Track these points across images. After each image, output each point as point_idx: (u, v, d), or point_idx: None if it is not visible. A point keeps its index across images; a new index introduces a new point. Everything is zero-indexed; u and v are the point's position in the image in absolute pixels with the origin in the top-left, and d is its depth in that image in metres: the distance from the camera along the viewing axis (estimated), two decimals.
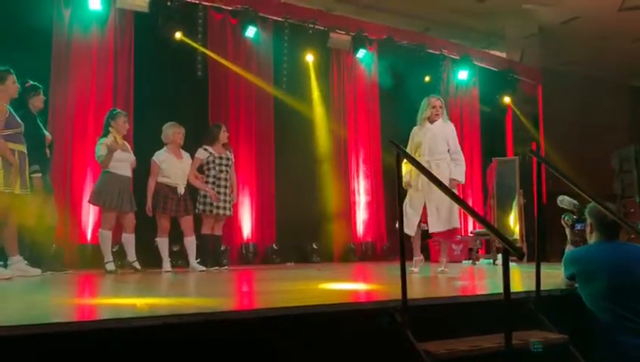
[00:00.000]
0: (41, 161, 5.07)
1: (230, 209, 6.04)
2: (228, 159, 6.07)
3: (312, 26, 7.98)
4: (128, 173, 5.55)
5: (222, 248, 6.41)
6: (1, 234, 4.64)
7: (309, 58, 8.07)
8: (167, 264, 5.66)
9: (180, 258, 6.21)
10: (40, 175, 5.04)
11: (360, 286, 4.17)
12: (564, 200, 3.83)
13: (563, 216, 3.72)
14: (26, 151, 4.69)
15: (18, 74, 4.80)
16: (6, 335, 1.91)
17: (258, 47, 7.70)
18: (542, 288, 3.16)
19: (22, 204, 4.67)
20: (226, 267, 6.04)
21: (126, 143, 5.71)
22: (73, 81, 6.39)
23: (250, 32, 7.52)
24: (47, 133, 5.36)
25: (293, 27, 7.88)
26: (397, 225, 5.00)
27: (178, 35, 6.98)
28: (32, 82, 5.26)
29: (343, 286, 4.12)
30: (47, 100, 5.74)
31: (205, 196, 5.89)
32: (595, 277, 3.07)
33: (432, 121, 5.22)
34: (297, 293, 3.49)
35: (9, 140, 4.52)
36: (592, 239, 3.27)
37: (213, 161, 5.97)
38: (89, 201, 5.66)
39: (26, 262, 4.77)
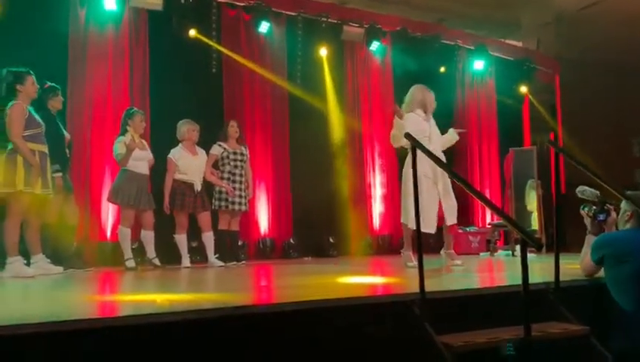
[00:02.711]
0: (61, 160, 5.15)
1: (246, 204, 6.07)
2: (242, 154, 6.09)
3: (325, 19, 7.96)
4: (146, 171, 5.59)
5: (239, 243, 6.46)
6: (24, 233, 4.72)
7: (323, 52, 8.05)
8: (186, 260, 5.72)
9: (198, 254, 6.27)
10: (60, 174, 5.13)
11: (378, 280, 4.18)
12: (585, 191, 3.78)
13: (582, 207, 3.67)
14: (47, 152, 4.76)
15: (36, 75, 4.87)
16: (30, 332, 1.95)
17: (271, 43, 7.70)
18: (561, 279, 3.14)
19: (43, 204, 4.75)
20: (243, 262, 6.08)
21: (144, 141, 5.76)
22: (90, 80, 6.46)
23: (264, 27, 7.53)
24: (66, 133, 5.44)
25: (306, 21, 7.87)
26: (402, 219, 5.04)
27: (192, 32, 7.02)
28: (50, 83, 5.33)
29: (361, 279, 4.13)
30: (65, 100, 5.82)
31: (221, 192, 5.92)
32: (625, 260, 3.02)
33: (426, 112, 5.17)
34: (315, 288, 3.51)
35: (30, 141, 4.59)
36: (626, 226, 3.23)
37: (228, 157, 6.00)
38: (108, 199, 5.73)
39: (48, 260, 4.85)
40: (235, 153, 6.03)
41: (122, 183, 5.46)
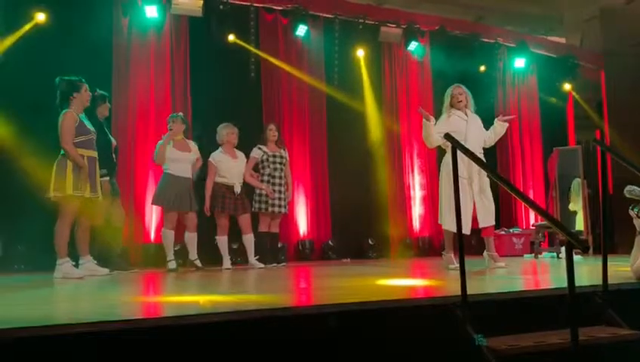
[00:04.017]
0: (107, 165, 5.31)
1: (285, 206, 6.12)
2: (282, 157, 6.14)
3: (362, 20, 7.95)
4: (187, 173, 5.64)
5: (279, 245, 6.51)
6: (74, 235, 4.89)
7: (360, 53, 8.04)
8: (227, 261, 5.80)
9: (239, 255, 6.35)
10: (107, 179, 5.30)
11: (418, 282, 4.14)
12: (633, 191, 3.65)
13: (632, 207, 3.54)
14: (96, 157, 4.92)
15: None
16: (81, 332, 2.02)
17: (309, 46, 7.74)
18: (610, 282, 3.04)
19: (92, 207, 4.90)
20: (283, 264, 6.13)
21: (188, 143, 5.78)
22: (133, 87, 6.64)
23: (301, 30, 7.57)
24: (112, 139, 5.60)
25: (344, 23, 7.88)
26: (439, 220, 4.98)
27: (231, 37, 7.13)
28: (100, 91, 5.51)
29: (402, 282, 4.09)
30: (111, 107, 6.00)
31: (261, 195, 5.99)
32: None
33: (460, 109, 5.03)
34: (355, 289, 3.50)
35: (80, 147, 4.76)
36: None
37: (267, 160, 6.06)
38: (152, 203, 5.87)
39: (95, 262, 5.00)
40: (274, 156, 6.08)
41: (163, 186, 5.58)
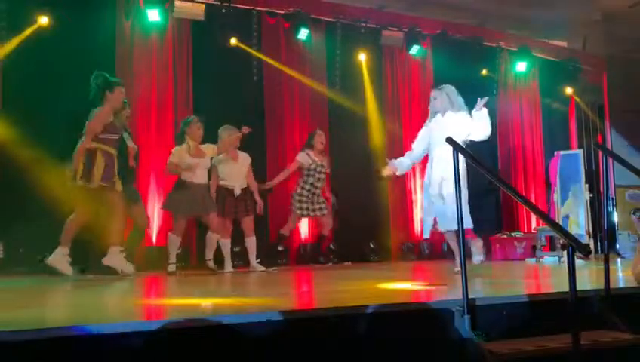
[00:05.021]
0: (124, 170, 5.25)
1: (326, 208, 6.39)
2: (322, 166, 6.35)
3: (363, 24, 7.96)
4: (202, 179, 5.52)
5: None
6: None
7: (362, 57, 8.05)
8: (228, 265, 5.79)
9: (240, 258, 6.33)
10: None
11: (420, 286, 4.13)
12: (634, 195, 3.65)
13: (633, 212, 3.54)
14: (116, 155, 4.93)
15: (84, 86, 5.03)
16: (75, 336, 2.02)
17: (311, 49, 7.75)
18: (612, 286, 3.03)
19: (97, 200, 4.89)
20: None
21: (202, 148, 5.64)
22: (136, 90, 6.63)
23: (303, 34, 7.58)
24: (132, 145, 5.52)
25: (345, 27, 7.89)
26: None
27: (233, 40, 7.15)
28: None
29: (403, 285, 4.09)
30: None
31: (301, 195, 6.18)
32: None
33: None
34: (356, 293, 3.50)
35: (102, 143, 4.79)
36: None
37: (315, 169, 6.17)
38: (162, 206, 5.83)
39: (124, 254, 4.96)
40: (322, 166, 6.28)
41: (174, 192, 5.52)
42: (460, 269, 4.64)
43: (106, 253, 4.92)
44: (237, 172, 5.88)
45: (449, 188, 4.47)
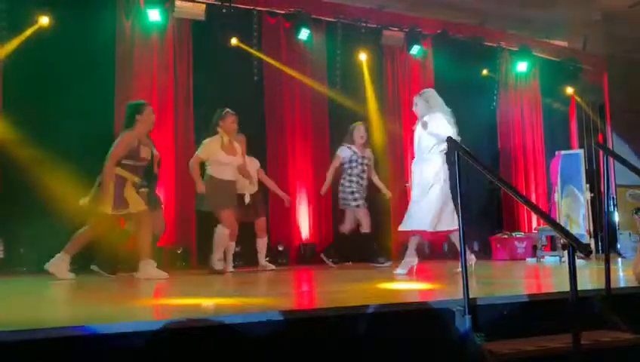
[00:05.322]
0: (148, 177, 5.26)
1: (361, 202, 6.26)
2: (364, 158, 6.31)
3: (364, 24, 7.96)
4: (232, 176, 5.40)
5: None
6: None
7: (363, 57, 8.05)
8: (229, 265, 5.77)
9: (240, 258, 6.32)
10: (146, 190, 5.22)
11: (421, 286, 4.13)
12: (635, 194, 3.65)
13: (636, 211, 3.54)
14: (138, 183, 4.93)
15: (83, 86, 5.03)
16: (75, 335, 2.02)
17: (311, 49, 7.75)
18: (613, 286, 3.03)
19: (110, 222, 4.94)
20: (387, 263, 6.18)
21: (235, 145, 5.56)
22: (136, 90, 6.63)
23: (304, 34, 7.58)
24: (155, 152, 5.44)
25: (346, 27, 7.89)
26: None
27: (234, 41, 7.15)
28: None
29: (404, 285, 4.09)
30: (112, 109, 6.01)
31: (352, 191, 6.17)
32: None
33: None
34: (357, 293, 3.49)
35: (127, 170, 4.80)
36: None
37: (357, 160, 6.12)
38: (201, 209, 5.53)
39: (156, 264, 4.94)
40: (363, 158, 6.22)
41: (207, 191, 5.29)
42: (459, 270, 4.75)
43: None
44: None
45: (415, 191, 4.85)
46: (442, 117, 4.80)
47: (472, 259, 4.96)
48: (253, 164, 5.99)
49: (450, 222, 4.66)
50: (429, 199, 4.73)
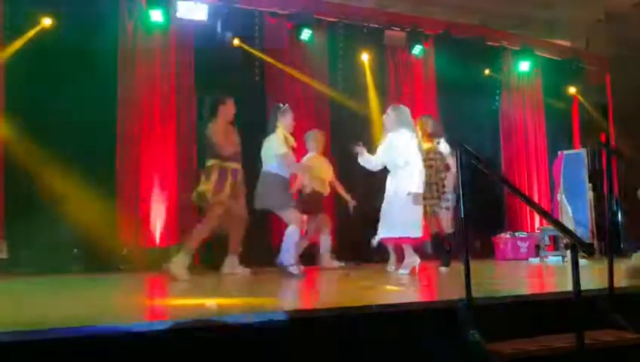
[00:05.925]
0: None
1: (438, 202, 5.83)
2: (435, 153, 5.81)
3: (366, 24, 7.96)
4: (287, 174, 5.26)
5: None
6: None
7: (364, 57, 8.04)
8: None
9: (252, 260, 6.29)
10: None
11: (422, 286, 4.12)
12: None
13: None
14: (240, 169, 5.01)
15: (86, 85, 5.03)
16: (78, 336, 2.02)
17: (313, 49, 7.74)
18: (616, 285, 3.02)
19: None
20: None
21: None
22: (138, 90, 6.65)
23: (305, 34, 7.58)
24: None
25: (348, 27, 7.89)
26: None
27: (236, 41, 7.15)
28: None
29: (405, 286, 4.08)
30: (115, 109, 6.01)
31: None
32: None
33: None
34: (357, 293, 3.49)
35: (230, 160, 4.90)
36: None
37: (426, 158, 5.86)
38: (255, 206, 5.18)
39: (238, 261, 5.05)
40: (434, 153, 5.73)
41: (268, 189, 5.07)
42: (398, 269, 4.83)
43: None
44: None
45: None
46: (406, 133, 5.16)
47: (416, 261, 5.03)
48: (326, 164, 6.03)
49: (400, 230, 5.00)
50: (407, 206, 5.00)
